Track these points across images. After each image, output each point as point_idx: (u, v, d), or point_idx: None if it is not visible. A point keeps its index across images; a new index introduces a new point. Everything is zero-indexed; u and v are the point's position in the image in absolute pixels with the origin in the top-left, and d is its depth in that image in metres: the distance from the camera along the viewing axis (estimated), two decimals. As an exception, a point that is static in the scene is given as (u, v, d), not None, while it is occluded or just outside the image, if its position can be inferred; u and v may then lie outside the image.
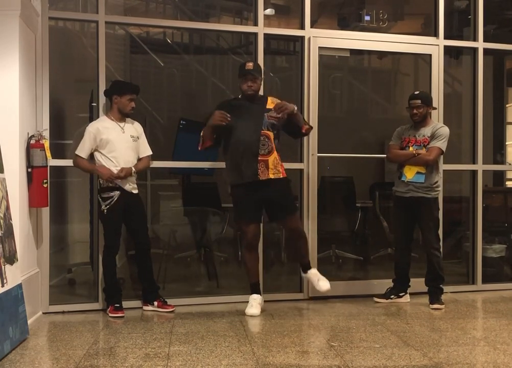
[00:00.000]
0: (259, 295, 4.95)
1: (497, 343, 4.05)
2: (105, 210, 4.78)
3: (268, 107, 4.87)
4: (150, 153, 5.04)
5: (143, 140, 5.01)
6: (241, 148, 4.74)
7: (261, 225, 5.06)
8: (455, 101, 7.04)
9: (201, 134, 4.85)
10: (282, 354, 3.73)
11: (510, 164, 8.39)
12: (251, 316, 4.76)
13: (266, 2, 5.55)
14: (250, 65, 4.86)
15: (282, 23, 6.65)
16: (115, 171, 4.76)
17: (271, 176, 4.77)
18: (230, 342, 4.02)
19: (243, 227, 4.90)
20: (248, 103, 4.87)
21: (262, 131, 4.78)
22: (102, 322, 4.66)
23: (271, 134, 4.81)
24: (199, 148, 4.90)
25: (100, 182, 4.82)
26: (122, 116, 4.91)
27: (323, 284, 4.91)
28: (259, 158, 4.73)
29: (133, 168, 4.84)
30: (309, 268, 5.01)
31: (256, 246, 5.02)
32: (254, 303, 4.85)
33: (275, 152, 4.82)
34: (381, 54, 7.11)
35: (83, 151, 4.79)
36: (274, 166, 4.79)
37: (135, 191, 4.93)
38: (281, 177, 4.83)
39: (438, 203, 5.30)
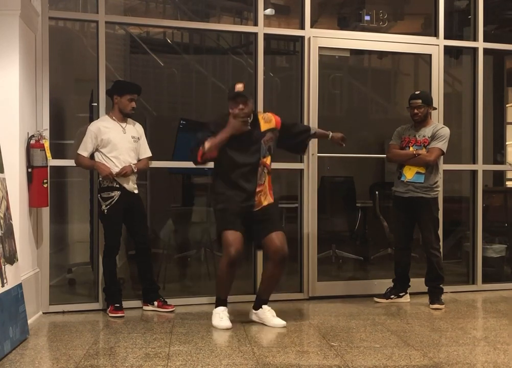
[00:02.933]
0: (226, 307, 4.52)
1: (497, 343, 4.05)
2: (105, 210, 4.78)
3: (263, 129, 4.52)
4: (150, 154, 5.04)
5: (144, 141, 5.01)
6: (239, 176, 4.44)
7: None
8: (455, 101, 7.04)
9: (205, 145, 4.34)
10: (282, 354, 3.73)
11: (510, 164, 8.39)
12: (225, 329, 4.35)
13: (266, 2, 5.55)
14: (239, 86, 4.41)
15: (282, 23, 6.66)
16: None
17: (264, 204, 4.53)
18: (230, 342, 4.02)
19: (228, 237, 4.37)
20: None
21: (260, 160, 4.48)
22: (102, 322, 4.66)
23: (268, 159, 4.55)
24: (198, 160, 4.41)
25: (100, 181, 4.82)
26: (124, 116, 4.91)
27: (278, 322, 4.48)
28: (257, 190, 4.47)
29: (133, 165, 4.84)
30: (266, 303, 4.60)
31: (237, 262, 4.47)
32: (224, 316, 4.43)
33: (268, 176, 4.56)
34: (381, 54, 7.12)
35: (84, 149, 4.80)
36: (268, 194, 4.55)
37: (136, 191, 4.93)
38: (272, 202, 4.59)
39: (437, 203, 5.30)
